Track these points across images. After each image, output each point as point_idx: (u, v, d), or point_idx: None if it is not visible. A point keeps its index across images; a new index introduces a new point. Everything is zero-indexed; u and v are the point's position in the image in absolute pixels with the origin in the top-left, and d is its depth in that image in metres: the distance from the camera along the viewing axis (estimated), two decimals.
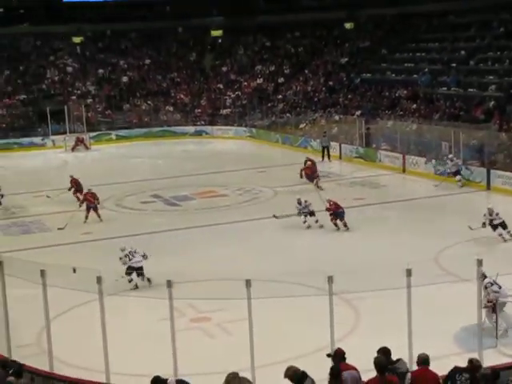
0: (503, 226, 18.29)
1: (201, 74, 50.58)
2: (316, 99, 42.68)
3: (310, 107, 41.38)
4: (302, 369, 8.14)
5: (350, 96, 40.70)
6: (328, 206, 20.82)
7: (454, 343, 12.16)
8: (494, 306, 12.19)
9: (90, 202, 22.65)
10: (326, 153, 32.95)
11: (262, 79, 48.11)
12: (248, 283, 9.57)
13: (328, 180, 28.27)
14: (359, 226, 20.65)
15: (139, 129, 44.86)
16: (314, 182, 26.51)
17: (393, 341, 9.28)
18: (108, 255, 18.39)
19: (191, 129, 44.92)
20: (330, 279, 9.77)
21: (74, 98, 46.46)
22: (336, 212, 20.57)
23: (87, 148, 40.93)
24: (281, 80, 47.28)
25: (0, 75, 47.64)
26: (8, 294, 11.45)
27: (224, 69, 50.30)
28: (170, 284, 9.80)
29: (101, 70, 49.80)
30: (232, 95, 47.40)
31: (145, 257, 16.07)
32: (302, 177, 27.17)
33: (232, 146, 40.06)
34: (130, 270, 15.63)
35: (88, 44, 51.65)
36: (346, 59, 45.65)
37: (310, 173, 26.90)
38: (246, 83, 48.20)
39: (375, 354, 8.44)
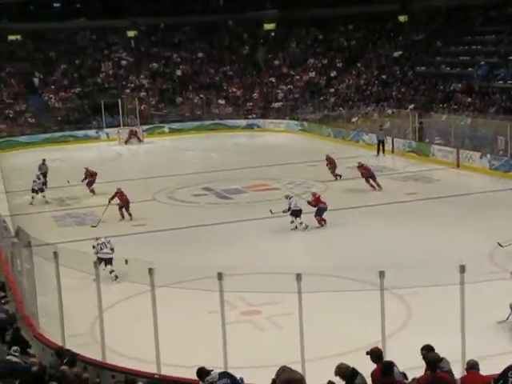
0: None
1: (253, 68, 50.60)
2: (368, 93, 42.33)
3: (363, 101, 41.07)
4: (352, 365, 8.06)
5: (403, 89, 40.23)
6: (310, 199, 20.57)
7: (509, 342, 11.93)
8: None
9: (119, 200, 22.45)
10: (381, 147, 32.60)
11: (314, 72, 47.91)
12: (298, 277, 9.52)
13: (381, 174, 28.00)
14: (412, 221, 20.41)
15: (191, 122, 45.15)
16: (370, 181, 25.09)
17: (445, 337, 9.14)
18: (160, 247, 18.58)
19: (243, 122, 45.00)
20: (382, 274, 9.65)
21: (127, 91, 47.01)
22: (317, 206, 20.29)
23: (140, 141, 41.35)
24: (333, 73, 47.01)
25: (57, 69, 48.45)
26: (63, 284, 11.63)
27: (276, 62, 50.23)
28: (220, 276, 9.81)
29: (154, 64, 50.26)
30: (284, 88, 47.31)
31: (113, 250, 16.56)
32: (363, 176, 25.49)
33: (283, 140, 40.00)
34: (98, 260, 15.64)
35: (142, 38, 52.15)
36: (400, 52, 45.13)
37: (367, 172, 25.50)
38: (298, 76, 48.06)
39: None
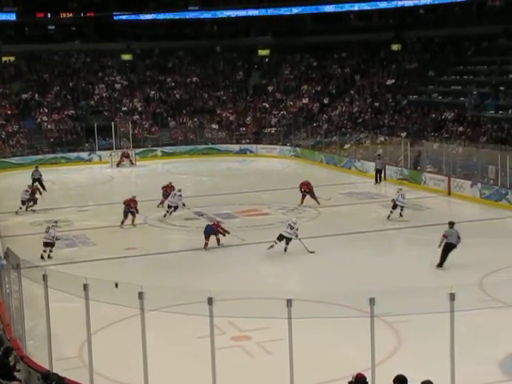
0: None
1: (247, 93, 50.83)
2: (361, 120, 42.55)
3: (356, 128, 41.27)
4: None
5: (395, 117, 40.48)
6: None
7: (500, 370, 11.90)
8: None
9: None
10: (379, 175, 32.55)
11: (307, 99, 48.15)
12: (289, 303, 9.51)
13: (372, 201, 28.09)
14: (403, 248, 20.44)
15: (184, 146, 45.26)
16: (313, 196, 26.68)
17: (435, 365, 9.12)
18: (151, 271, 18.52)
19: (236, 147, 45.13)
20: (372, 301, 9.65)
21: (121, 114, 47.09)
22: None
23: (133, 164, 41.33)
24: (326, 100, 47.27)
25: (50, 91, 48.53)
26: (51, 306, 11.56)
27: (270, 88, 50.48)
28: (211, 301, 9.78)
29: (148, 87, 50.44)
30: (277, 114, 47.52)
31: (55, 237, 20.36)
32: (305, 192, 26.98)
33: (276, 165, 40.09)
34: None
35: (136, 61, 52.40)
36: (393, 81, 45.46)
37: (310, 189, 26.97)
38: (291, 103, 48.29)
39: (418, 378, 8.28)
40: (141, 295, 10.16)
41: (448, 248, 18.01)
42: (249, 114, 48.40)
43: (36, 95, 47.85)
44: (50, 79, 49.61)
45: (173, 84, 51.07)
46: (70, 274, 12.43)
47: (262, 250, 20.58)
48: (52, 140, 44.37)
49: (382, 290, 13.22)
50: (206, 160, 42.51)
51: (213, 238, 20.87)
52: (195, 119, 47.45)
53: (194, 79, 51.56)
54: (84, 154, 43.04)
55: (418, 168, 32.26)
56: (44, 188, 30.97)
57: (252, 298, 14.08)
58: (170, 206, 25.53)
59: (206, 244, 20.78)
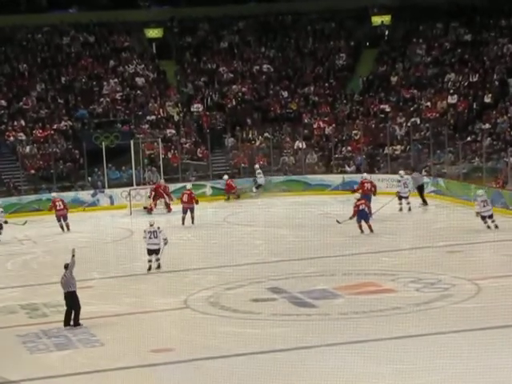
0: None
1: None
2: None
3: None
4: None
5: None
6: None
7: None
8: None
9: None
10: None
11: (456, 96, 48.37)
12: None
13: None
14: None
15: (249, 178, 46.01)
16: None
17: None
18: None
19: (335, 178, 45.90)
20: None
21: (144, 127, 48.03)
22: None
23: (169, 208, 41.47)
24: (488, 98, 47.36)
25: (30, 92, 49.66)
26: None
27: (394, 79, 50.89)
28: None
29: (190, 82, 51.27)
30: (403, 123, 47.88)
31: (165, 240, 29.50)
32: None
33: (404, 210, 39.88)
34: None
35: (167, 37, 53.39)
36: None
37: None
38: (427, 103, 48.64)
39: None
40: None
41: None
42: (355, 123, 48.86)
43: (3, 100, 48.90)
44: (30, 73, 50.66)
45: (230, 75, 51.71)
46: None
47: (383, 352, 20.29)
48: (33, 172, 45.02)
49: None
50: (286, 199, 42.68)
51: None
52: (267, 133, 47.65)
53: (266, 67, 52.29)
54: (85, 195, 43.50)
55: None
56: None
57: None
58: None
59: (362, 230, 33.93)
